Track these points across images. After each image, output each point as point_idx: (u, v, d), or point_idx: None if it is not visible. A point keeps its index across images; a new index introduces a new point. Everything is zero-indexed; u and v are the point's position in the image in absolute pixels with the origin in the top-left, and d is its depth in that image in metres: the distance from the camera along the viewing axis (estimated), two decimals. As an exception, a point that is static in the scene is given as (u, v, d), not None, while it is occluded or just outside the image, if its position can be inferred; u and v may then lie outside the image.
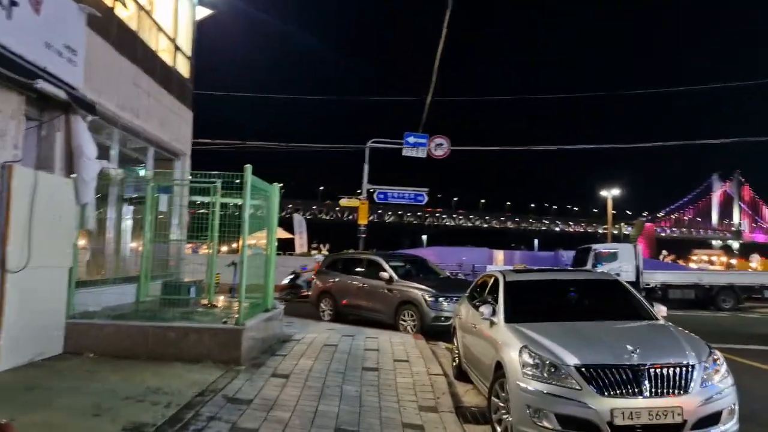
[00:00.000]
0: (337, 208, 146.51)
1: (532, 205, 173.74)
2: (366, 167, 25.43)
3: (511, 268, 8.52)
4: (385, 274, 13.35)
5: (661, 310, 6.72)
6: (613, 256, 22.96)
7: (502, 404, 5.69)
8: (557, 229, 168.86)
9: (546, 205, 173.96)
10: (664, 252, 59.62)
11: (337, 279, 14.69)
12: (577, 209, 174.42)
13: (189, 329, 7.79)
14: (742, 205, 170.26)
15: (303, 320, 13.73)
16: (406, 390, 7.06)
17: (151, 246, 10.51)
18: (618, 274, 22.56)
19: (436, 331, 12.23)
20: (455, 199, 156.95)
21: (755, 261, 43.71)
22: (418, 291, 12.65)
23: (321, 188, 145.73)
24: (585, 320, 6.36)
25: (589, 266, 22.65)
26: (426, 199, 26.19)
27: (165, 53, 11.92)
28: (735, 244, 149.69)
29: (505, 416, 5.62)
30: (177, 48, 12.47)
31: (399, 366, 8.36)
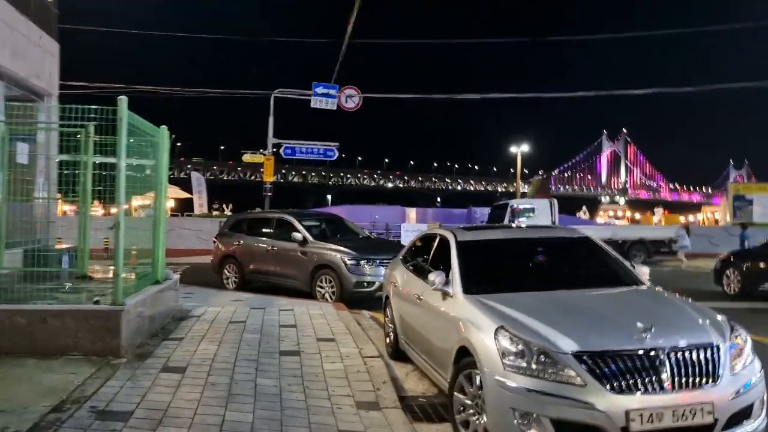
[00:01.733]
0: (239, 168, 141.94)
1: (435, 164, 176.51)
2: (271, 119, 23.39)
3: (456, 226, 7.09)
4: (298, 235, 11.73)
5: (644, 272, 5.60)
6: (530, 212, 22.47)
7: (470, 401, 4.35)
8: (459, 188, 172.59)
9: (448, 164, 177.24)
10: (584, 208, 61.10)
11: (242, 242, 12.89)
12: (477, 168, 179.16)
13: (47, 313, 5.91)
14: (628, 163, 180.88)
15: (204, 289, 11.92)
16: (337, 380, 5.61)
17: (5, 207, 8.35)
18: (534, 231, 22.41)
19: (357, 299, 10.86)
20: (359, 158, 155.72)
21: (658, 215, 45.43)
22: (337, 253, 11.15)
23: (221, 148, 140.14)
24: (563, 288, 5.11)
25: (506, 222, 22.05)
26: (336, 154, 24.57)
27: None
28: (621, 200, 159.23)
29: (474, 418, 4.29)
30: (34, -41, 10.00)
31: (324, 347, 6.87)
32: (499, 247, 5.95)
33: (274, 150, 23.42)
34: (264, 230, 12.72)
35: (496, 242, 6.04)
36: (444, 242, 6.07)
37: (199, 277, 14.28)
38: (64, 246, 9.68)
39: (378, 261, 11.05)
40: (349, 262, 10.95)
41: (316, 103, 23.70)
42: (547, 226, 8.60)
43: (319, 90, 23.54)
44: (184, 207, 34.95)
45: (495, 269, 5.57)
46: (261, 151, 23.57)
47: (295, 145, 23.89)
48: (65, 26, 12.79)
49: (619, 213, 62.73)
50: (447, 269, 5.55)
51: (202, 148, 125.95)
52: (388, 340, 7.37)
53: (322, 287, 11.22)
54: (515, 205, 22.92)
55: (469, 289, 5.08)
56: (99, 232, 10.67)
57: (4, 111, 8.79)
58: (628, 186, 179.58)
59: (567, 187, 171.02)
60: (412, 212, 29.70)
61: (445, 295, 5.29)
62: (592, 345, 3.93)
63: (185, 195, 31.18)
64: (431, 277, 5.39)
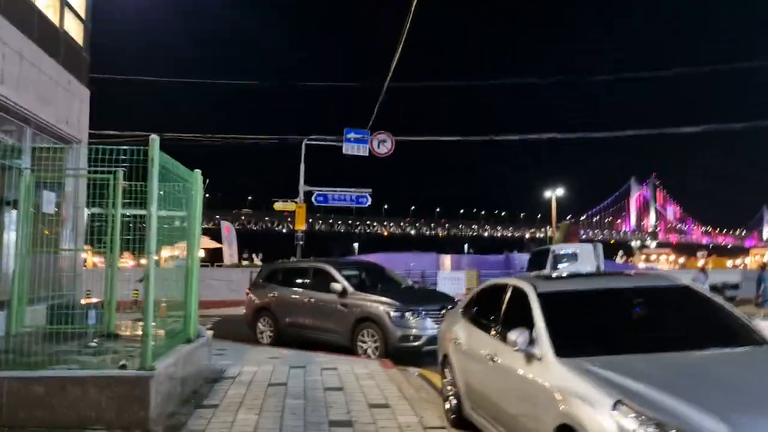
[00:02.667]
0: (266, 218, 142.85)
1: (462, 211, 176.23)
2: (302, 167, 22.98)
3: (529, 275, 6.15)
4: (337, 286, 10.95)
5: (764, 327, 4.69)
6: (573, 257, 21.38)
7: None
8: (486, 234, 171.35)
9: (474, 210, 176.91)
10: (620, 252, 59.41)
11: (277, 293, 12.15)
12: (504, 214, 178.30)
13: (66, 380, 5.18)
14: (658, 207, 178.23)
15: (237, 345, 11.16)
16: (401, 460, 4.74)
17: (27, 260, 7.76)
18: (578, 277, 21.26)
19: (403, 354, 9.97)
20: (385, 206, 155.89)
21: (702, 258, 43.81)
22: (380, 305, 10.33)
23: (249, 198, 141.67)
24: (675, 349, 4.23)
25: (548, 269, 21.00)
26: (369, 201, 23.93)
27: (47, 8, 9.15)
28: (652, 244, 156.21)
29: None
30: (65, 2, 9.69)
31: (379, 415, 6.01)
32: (589, 299, 5.09)
33: (306, 195, 22.91)
34: (300, 281, 11.97)
35: (585, 293, 5.17)
36: (519, 294, 5.24)
37: (231, 330, 13.55)
38: (92, 300, 9.05)
39: (425, 313, 10.22)
40: (393, 315, 10.11)
41: (348, 149, 23.26)
42: (635, 274, 7.70)
43: (351, 136, 23.11)
44: (214, 257, 34.55)
45: (588, 326, 4.71)
46: (293, 199, 23.07)
47: (327, 193, 23.36)
48: (96, 75, 12.47)
49: (662, 257, 60.92)
50: (524, 325, 4.73)
51: (228, 200, 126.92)
52: (448, 406, 6.47)
53: (364, 342, 10.37)
54: (557, 251, 21.86)
55: (562, 350, 4.22)
56: (128, 283, 10.06)
57: (30, 157, 8.31)
58: (658, 230, 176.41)
59: (596, 231, 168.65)
60: (446, 259, 28.79)
61: (530, 357, 4.45)
62: (747, 428, 3.05)
63: (215, 245, 30.76)
64: (512, 336, 4.54)
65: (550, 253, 21.56)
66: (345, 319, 10.69)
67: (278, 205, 23.88)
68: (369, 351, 10.24)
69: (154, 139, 5.47)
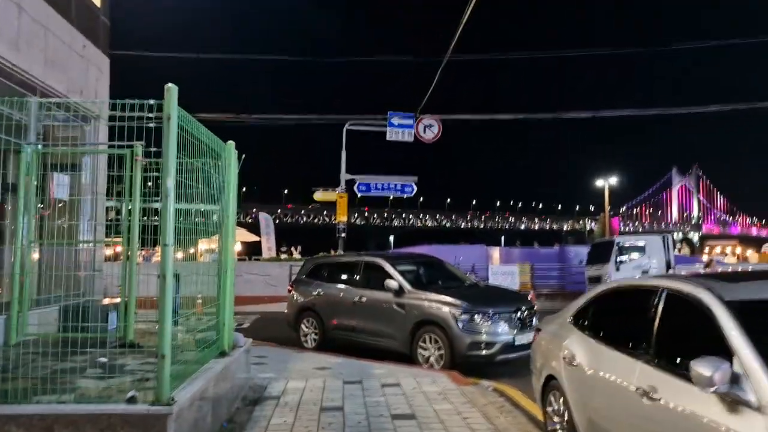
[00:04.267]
0: (302, 211, 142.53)
1: (498, 203, 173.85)
2: (344, 153, 21.47)
3: (691, 272, 4.31)
4: (392, 283, 9.43)
5: None
6: (639, 250, 19.51)
7: None
8: (522, 226, 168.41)
9: (511, 203, 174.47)
10: (677, 245, 56.63)
11: (322, 291, 10.70)
12: (541, 206, 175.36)
13: (53, 419, 3.77)
14: (701, 197, 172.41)
15: (279, 350, 9.78)
16: None
17: (29, 252, 6.44)
18: (646, 271, 19.37)
19: (472, 364, 8.45)
20: (421, 199, 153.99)
21: None
22: (444, 305, 8.79)
23: (285, 191, 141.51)
24: None
25: (613, 262, 19.19)
26: (414, 190, 22.30)
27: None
28: (695, 237, 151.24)
29: None
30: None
31: (474, 462, 4.48)
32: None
33: (348, 184, 21.45)
34: (349, 277, 10.48)
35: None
36: (682, 301, 3.65)
37: (271, 329, 12.24)
38: (116, 300, 7.68)
39: (497, 315, 8.66)
40: (461, 317, 8.56)
41: (392, 134, 21.66)
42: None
43: (396, 120, 21.52)
44: (251, 251, 33.45)
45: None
46: (334, 188, 21.61)
47: (369, 182, 21.84)
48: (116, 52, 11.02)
49: (728, 249, 57.66)
50: (699, 349, 3.18)
51: (263, 193, 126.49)
52: (550, 438, 4.93)
53: (425, 349, 8.85)
54: (622, 243, 19.98)
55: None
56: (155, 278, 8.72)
57: (35, 132, 6.96)
58: (701, 222, 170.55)
59: (636, 223, 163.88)
60: (495, 252, 27.00)
61: (735, 404, 2.88)
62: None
63: (253, 237, 29.54)
64: (702, 369, 2.95)
65: (614, 245, 19.69)
66: (402, 321, 9.18)
67: (318, 195, 22.43)
68: (432, 360, 8.72)
69: (171, 89, 4.01)
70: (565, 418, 4.74)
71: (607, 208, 36.87)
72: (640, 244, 19.86)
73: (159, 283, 3.99)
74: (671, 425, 3.31)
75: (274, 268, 22.41)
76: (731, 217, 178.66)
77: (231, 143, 6.11)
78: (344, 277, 10.60)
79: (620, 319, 4.51)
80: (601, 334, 4.49)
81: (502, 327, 8.64)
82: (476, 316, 8.58)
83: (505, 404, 6.59)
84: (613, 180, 35.91)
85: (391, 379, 7.34)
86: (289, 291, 11.55)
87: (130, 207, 6.66)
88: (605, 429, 4.12)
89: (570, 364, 4.68)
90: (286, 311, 11.50)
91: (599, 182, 36.61)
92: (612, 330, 4.46)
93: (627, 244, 19.84)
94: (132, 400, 3.91)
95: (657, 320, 3.83)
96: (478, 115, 25.93)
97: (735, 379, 2.94)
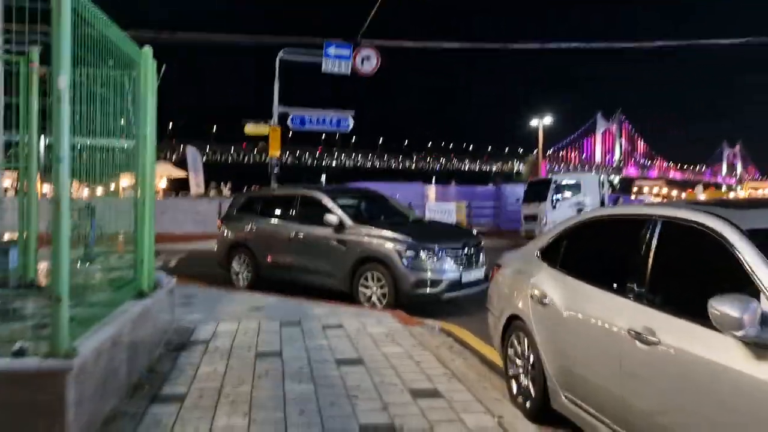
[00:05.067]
0: (232, 148, 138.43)
1: (429, 144, 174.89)
2: (276, 84, 20.22)
3: (697, 202, 3.77)
4: (332, 218, 8.76)
5: None
6: (575, 188, 19.58)
7: None
8: (452, 167, 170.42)
9: (443, 144, 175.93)
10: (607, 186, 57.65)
11: (256, 226, 9.91)
12: (472, 148, 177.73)
13: None
14: (623, 141, 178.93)
15: (208, 290, 9.02)
16: None
17: None
18: (581, 209, 19.47)
19: (417, 303, 7.98)
20: (354, 138, 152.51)
21: (699, 191, 42.58)
22: (387, 241, 8.22)
23: (214, 127, 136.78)
24: None
25: (549, 200, 19.19)
26: (351, 124, 21.38)
27: None
28: (616, 179, 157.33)
29: None
30: None
31: (433, 413, 3.96)
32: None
33: (281, 117, 20.28)
34: (285, 211, 9.72)
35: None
36: (688, 234, 3.15)
37: (200, 268, 11.43)
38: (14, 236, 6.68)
39: (444, 251, 8.17)
40: (406, 254, 8.02)
41: (328, 66, 20.49)
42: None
43: (332, 51, 20.32)
44: (178, 188, 31.90)
45: None
46: (266, 121, 20.40)
47: (304, 114, 20.74)
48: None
49: (654, 189, 59.64)
50: (708, 287, 2.71)
51: (190, 129, 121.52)
52: (515, 388, 4.48)
53: (367, 287, 8.29)
54: (558, 181, 19.99)
55: None
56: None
57: None
58: (622, 165, 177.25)
59: (562, 165, 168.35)
60: (431, 190, 26.65)
61: (763, 348, 2.42)
62: None
63: (180, 173, 28.02)
64: (725, 308, 2.46)
65: (551, 183, 19.66)
66: (343, 258, 8.56)
67: (249, 128, 21.10)
68: (374, 299, 8.19)
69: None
70: (531, 362, 4.28)
71: (541, 147, 37.09)
72: (576, 182, 19.93)
73: (52, 210, 3.16)
74: (676, 374, 2.85)
75: (203, 204, 21.34)
76: (650, 161, 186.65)
77: (148, 49, 5.15)
78: (279, 211, 9.82)
79: (602, 254, 4.01)
80: (578, 270, 3.99)
81: (449, 264, 8.18)
82: (422, 252, 8.06)
83: (454, 345, 6.14)
84: (548, 120, 36.08)
85: (332, 319, 6.76)
86: (219, 227, 10.70)
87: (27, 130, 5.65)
88: (581, 375, 3.67)
89: (540, 303, 4.19)
90: (216, 249, 10.67)
91: (534, 122, 36.74)
92: (592, 265, 3.96)
93: (563, 183, 19.88)
94: (20, 353, 3.12)
95: (652, 254, 3.33)
96: (422, 42, 24.74)
97: (764, 321, 2.47)
